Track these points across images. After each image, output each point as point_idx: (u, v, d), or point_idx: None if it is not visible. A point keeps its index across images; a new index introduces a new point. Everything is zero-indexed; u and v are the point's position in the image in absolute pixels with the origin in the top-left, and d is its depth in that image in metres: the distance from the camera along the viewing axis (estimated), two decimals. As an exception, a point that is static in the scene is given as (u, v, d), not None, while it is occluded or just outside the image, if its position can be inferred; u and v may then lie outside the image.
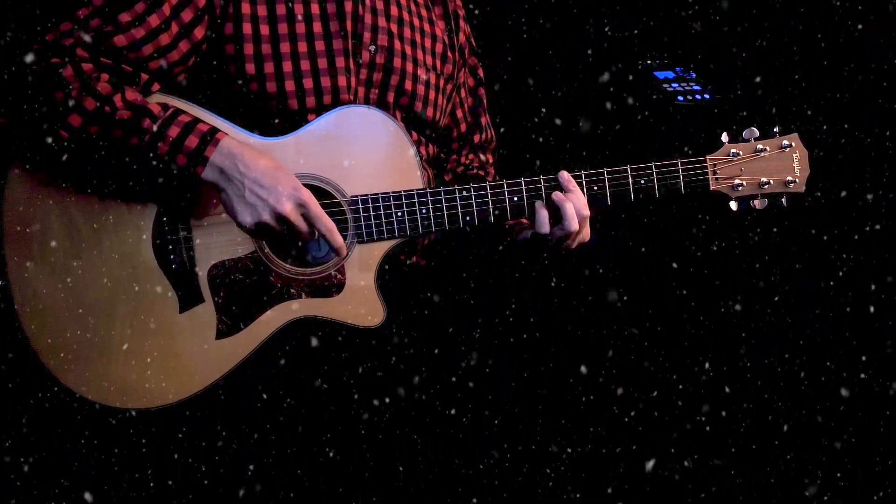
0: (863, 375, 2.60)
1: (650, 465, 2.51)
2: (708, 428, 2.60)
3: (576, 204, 1.94)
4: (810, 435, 2.63)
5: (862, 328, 2.64)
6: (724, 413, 2.62)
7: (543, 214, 1.94)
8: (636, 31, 2.58)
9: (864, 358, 2.62)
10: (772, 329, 2.70)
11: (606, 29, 2.59)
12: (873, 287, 2.62)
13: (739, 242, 2.69)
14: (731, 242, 2.70)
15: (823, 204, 2.58)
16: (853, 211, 2.61)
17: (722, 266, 2.72)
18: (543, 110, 2.67)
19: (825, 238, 2.64)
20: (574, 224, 1.93)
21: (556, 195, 1.94)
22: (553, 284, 2.26)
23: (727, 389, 2.66)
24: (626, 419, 2.54)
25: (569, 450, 1.92)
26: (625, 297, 2.63)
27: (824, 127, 2.55)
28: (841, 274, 2.64)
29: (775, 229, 2.64)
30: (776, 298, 2.67)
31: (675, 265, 2.69)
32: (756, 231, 2.66)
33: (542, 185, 1.95)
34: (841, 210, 2.63)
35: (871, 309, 2.63)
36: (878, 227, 2.61)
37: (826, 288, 2.66)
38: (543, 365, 1.88)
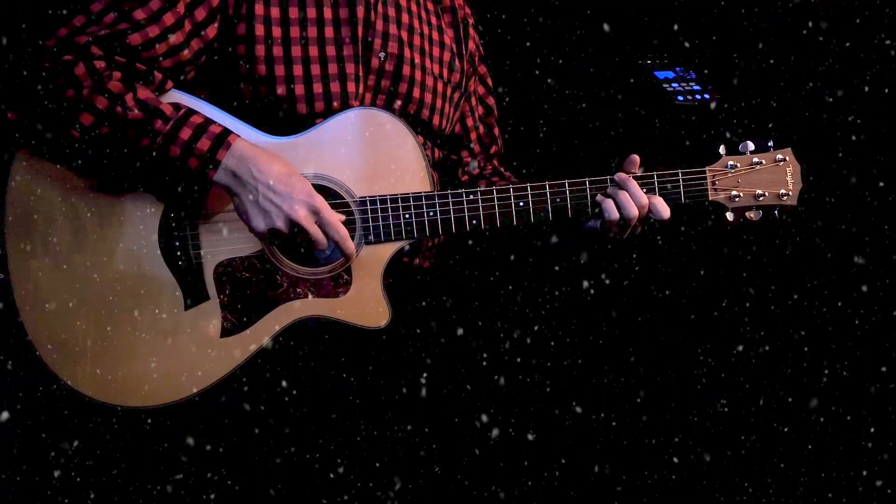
0: (864, 370, 2.65)
1: (649, 460, 2.52)
2: (708, 424, 2.64)
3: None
4: (809, 431, 2.67)
5: (861, 324, 2.70)
6: (724, 409, 2.65)
7: (609, 202, 1.96)
8: (636, 31, 2.60)
9: (863, 353, 2.67)
10: (772, 327, 2.74)
11: (606, 28, 2.60)
12: (873, 285, 2.67)
13: (741, 248, 2.74)
14: (732, 247, 2.74)
15: (822, 206, 2.63)
16: (852, 212, 2.66)
17: (722, 269, 2.76)
18: (548, 110, 2.70)
19: (824, 241, 2.70)
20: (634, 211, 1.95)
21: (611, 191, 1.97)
22: (557, 286, 2.29)
23: (727, 387, 2.70)
24: (627, 416, 2.55)
25: (571, 446, 1.95)
26: (626, 298, 2.66)
27: (824, 126, 2.60)
28: (840, 274, 2.69)
29: (779, 232, 2.68)
30: (775, 297, 2.72)
31: (675, 265, 2.72)
32: (756, 237, 2.71)
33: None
34: (840, 212, 2.69)
35: (871, 306, 2.67)
36: (878, 228, 2.67)
37: (826, 287, 2.71)
38: (548, 365, 1.91)
